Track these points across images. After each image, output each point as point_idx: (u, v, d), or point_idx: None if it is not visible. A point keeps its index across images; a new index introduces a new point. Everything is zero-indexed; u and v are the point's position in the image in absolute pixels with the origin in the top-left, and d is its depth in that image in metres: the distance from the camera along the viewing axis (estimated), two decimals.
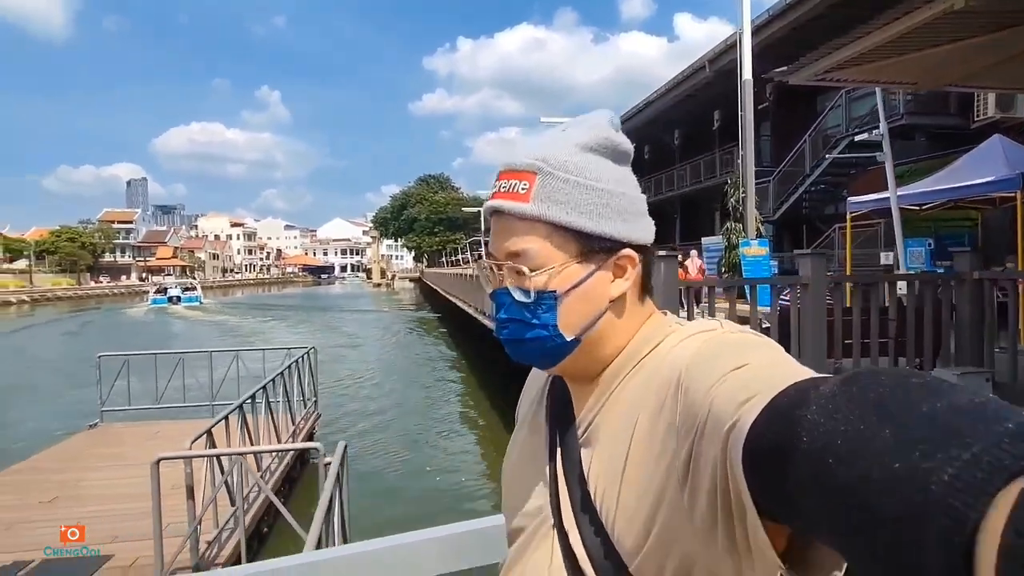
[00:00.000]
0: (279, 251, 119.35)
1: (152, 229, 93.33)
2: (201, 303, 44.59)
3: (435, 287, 38.66)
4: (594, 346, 0.65)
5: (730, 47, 16.22)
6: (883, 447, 0.31)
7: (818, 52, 5.29)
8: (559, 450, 0.68)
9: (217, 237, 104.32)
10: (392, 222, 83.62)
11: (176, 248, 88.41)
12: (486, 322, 16.49)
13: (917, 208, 8.69)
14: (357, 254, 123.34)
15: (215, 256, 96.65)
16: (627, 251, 0.64)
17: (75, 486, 5.78)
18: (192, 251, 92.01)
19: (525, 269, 0.63)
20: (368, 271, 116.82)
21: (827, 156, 13.92)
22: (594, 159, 0.64)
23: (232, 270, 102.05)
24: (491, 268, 0.67)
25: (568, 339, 0.63)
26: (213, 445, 4.71)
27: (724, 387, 0.48)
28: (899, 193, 8.52)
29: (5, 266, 56.93)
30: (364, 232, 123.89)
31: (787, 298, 4.86)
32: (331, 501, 3.39)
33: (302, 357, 8.02)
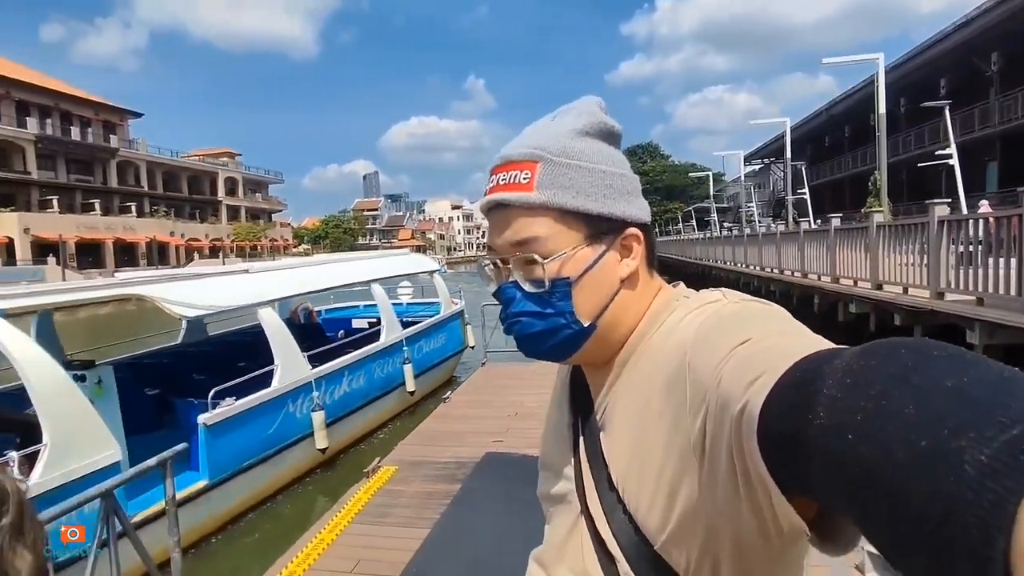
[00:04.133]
0: None
1: (392, 215, 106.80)
2: (444, 272, 55.51)
3: (665, 255, 38.79)
4: (609, 329, 0.65)
5: None
6: (907, 423, 0.29)
7: None
8: (581, 436, 0.69)
9: (441, 220, 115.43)
10: None
11: (412, 231, 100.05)
12: (724, 265, 16.16)
13: None
14: None
15: (441, 236, 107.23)
16: (632, 230, 0.65)
17: (520, 406, 6.75)
18: (424, 232, 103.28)
19: (537, 257, 0.62)
20: None
21: None
22: (591, 142, 0.65)
23: (455, 248, 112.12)
24: (494, 263, 0.66)
25: (585, 325, 0.63)
26: None
27: (730, 365, 0.47)
28: None
29: (293, 250, 69.74)
30: None
31: None
32: None
33: None
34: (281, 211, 71.52)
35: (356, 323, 8.49)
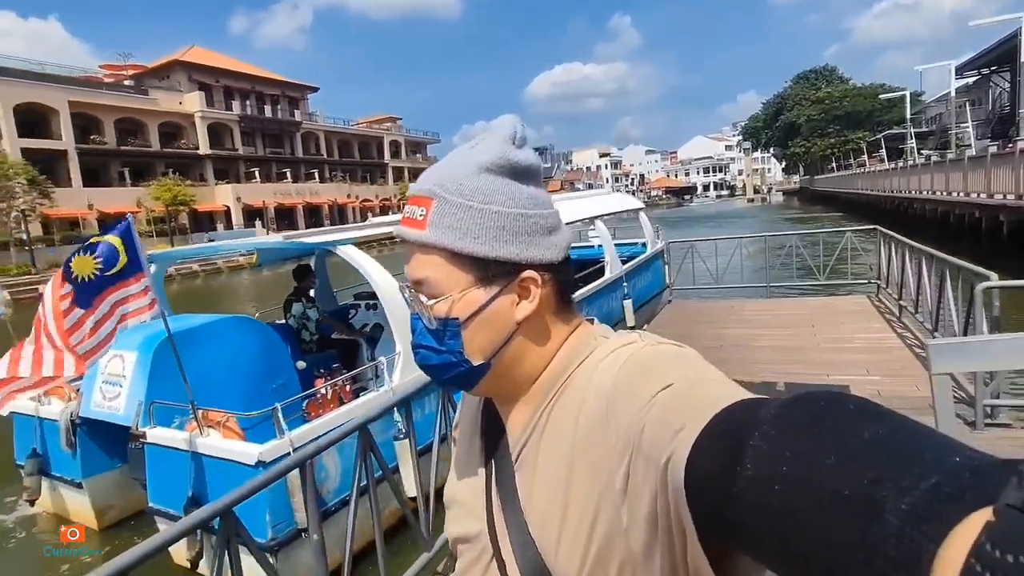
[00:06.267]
0: (642, 176, 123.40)
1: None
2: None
3: (848, 191, 34.80)
4: (510, 368, 0.63)
5: None
6: (830, 473, 0.31)
7: None
8: (494, 475, 0.67)
9: (588, 168, 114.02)
10: (764, 131, 76.62)
11: (561, 181, 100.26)
12: (933, 196, 14.29)
13: None
14: (720, 171, 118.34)
15: (590, 185, 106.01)
16: (529, 272, 0.62)
17: (722, 339, 6.63)
18: (572, 182, 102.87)
19: (423, 299, 0.62)
20: (732, 188, 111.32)
21: None
22: (491, 180, 0.61)
23: None
24: (408, 293, 0.66)
25: (476, 364, 0.62)
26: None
27: (653, 413, 0.47)
28: None
29: None
30: (727, 148, 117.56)
31: None
32: None
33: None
34: None
35: None
